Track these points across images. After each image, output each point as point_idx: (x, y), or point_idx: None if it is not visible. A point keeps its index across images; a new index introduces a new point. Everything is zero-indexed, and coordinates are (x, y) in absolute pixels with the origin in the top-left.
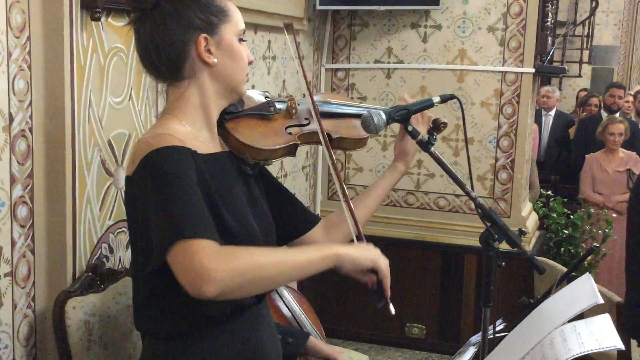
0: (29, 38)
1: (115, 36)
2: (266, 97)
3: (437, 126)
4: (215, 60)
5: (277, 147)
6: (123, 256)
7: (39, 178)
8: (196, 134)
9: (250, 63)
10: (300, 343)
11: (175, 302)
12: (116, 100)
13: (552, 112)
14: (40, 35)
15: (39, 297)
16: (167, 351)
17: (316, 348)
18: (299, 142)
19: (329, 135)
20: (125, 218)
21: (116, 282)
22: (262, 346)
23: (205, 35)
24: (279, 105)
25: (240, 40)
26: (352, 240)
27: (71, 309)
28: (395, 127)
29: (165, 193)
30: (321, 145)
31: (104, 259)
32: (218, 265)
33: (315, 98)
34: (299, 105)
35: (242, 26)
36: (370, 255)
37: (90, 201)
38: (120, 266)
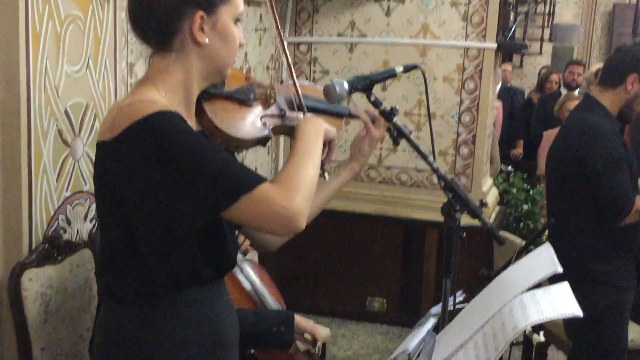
0: None
1: (72, 3)
2: (246, 79)
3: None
4: (207, 40)
5: (250, 138)
6: (81, 228)
7: None
8: (174, 108)
9: (240, 46)
10: (290, 328)
11: (139, 265)
12: (73, 69)
13: (497, 88)
14: None
15: None
16: (125, 316)
17: (297, 324)
18: (272, 135)
19: None
20: (84, 190)
21: (74, 254)
22: (220, 320)
23: (202, 13)
24: (258, 92)
25: (237, 21)
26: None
27: (27, 280)
28: (358, 102)
29: (192, 157)
30: (291, 137)
31: (62, 231)
32: (294, 199)
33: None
34: (277, 94)
35: (242, 8)
36: (332, 129)
37: (47, 171)
38: (78, 238)
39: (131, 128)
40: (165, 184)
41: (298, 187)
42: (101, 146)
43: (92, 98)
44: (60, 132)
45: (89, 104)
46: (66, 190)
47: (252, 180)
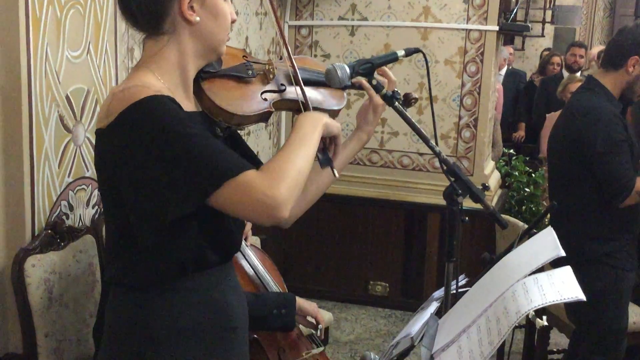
0: None
1: None
2: (244, 57)
3: (407, 101)
4: (197, 18)
5: (252, 113)
6: (83, 214)
7: None
8: (172, 91)
9: (232, 22)
10: (292, 311)
11: (144, 252)
12: (74, 55)
13: (503, 71)
14: None
15: None
16: (133, 301)
17: (299, 307)
18: (273, 110)
19: (303, 104)
20: (86, 175)
21: (76, 240)
22: (228, 304)
23: None
24: (256, 67)
25: None
26: (300, 110)
27: (30, 266)
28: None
29: (178, 142)
30: (293, 112)
31: (64, 217)
32: (277, 188)
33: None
34: (276, 69)
35: None
36: (337, 124)
37: (49, 158)
38: (80, 224)
39: (123, 113)
40: (153, 168)
41: (284, 176)
42: (99, 134)
43: (93, 83)
44: (61, 118)
45: (90, 90)
46: (68, 176)
47: (237, 166)
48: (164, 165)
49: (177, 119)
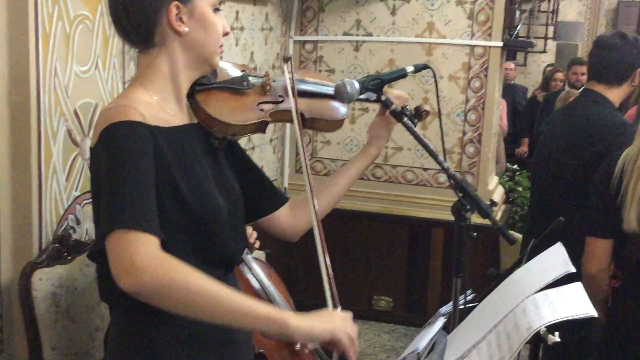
0: None
1: (80, 3)
2: (242, 72)
3: (419, 114)
4: (186, 29)
5: (247, 123)
6: (90, 227)
7: (3, 148)
8: (163, 105)
9: (225, 34)
10: None
11: None
12: (82, 69)
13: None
14: (4, 1)
15: (5, 269)
16: (132, 323)
17: None
18: (270, 120)
19: (302, 114)
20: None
21: (83, 253)
22: None
23: (177, 3)
24: (253, 80)
25: (216, 10)
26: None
27: (38, 280)
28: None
29: (116, 173)
30: (292, 124)
31: (71, 231)
32: (148, 267)
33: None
34: (274, 81)
35: None
36: (329, 327)
37: (57, 171)
38: (87, 237)
39: (102, 132)
40: (103, 187)
41: (167, 276)
42: (91, 152)
43: (100, 98)
44: (69, 132)
45: (98, 104)
46: (75, 190)
47: (142, 223)
48: (105, 188)
49: (132, 152)
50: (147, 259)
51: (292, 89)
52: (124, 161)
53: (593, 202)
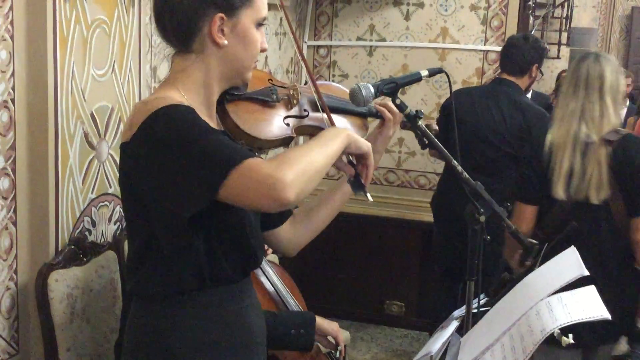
0: (11, 8)
1: (98, 7)
2: (269, 80)
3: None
4: (226, 42)
5: (274, 138)
6: (105, 230)
7: (21, 150)
8: (194, 108)
9: (263, 50)
10: (311, 331)
11: (164, 264)
12: (99, 73)
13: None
14: (22, 5)
15: (22, 270)
16: (152, 314)
17: (319, 327)
18: (295, 136)
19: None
20: (108, 192)
21: (99, 255)
22: (247, 320)
23: (222, 15)
24: (280, 93)
25: (259, 25)
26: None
27: (54, 281)
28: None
29: (192, 140)
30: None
31: (87, 233)
32: (283, 171)
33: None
34: (300, 94)
35: (264, 13)
36: (367, 142)
37: (73, 174)
38: (102, 239)
39: (144, 123)
40: (170, 169)
41: (292, 163)
42: (123, 147)
43: (117, 101)
44: (86, 135)
45: (114, 107)
46: (92, 192)
47: (241, 155)
48: (178, 165)
49: (191, 122)
50: (276, 167)
51: (327, 112)
52: (192, 126)
53: (524, 173)
